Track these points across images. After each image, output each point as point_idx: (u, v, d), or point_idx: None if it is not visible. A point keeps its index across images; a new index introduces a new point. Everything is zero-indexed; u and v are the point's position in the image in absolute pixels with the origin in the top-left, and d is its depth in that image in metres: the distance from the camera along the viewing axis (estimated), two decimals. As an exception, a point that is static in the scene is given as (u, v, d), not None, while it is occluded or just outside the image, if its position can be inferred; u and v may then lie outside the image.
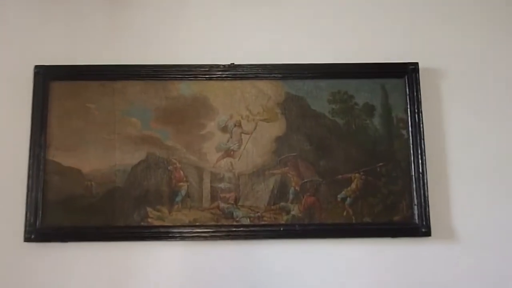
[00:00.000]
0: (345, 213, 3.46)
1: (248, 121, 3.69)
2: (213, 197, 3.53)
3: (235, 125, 3.75)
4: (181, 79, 3.62)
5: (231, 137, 3.72)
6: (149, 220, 3.40)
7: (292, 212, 3.49)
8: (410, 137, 3.43)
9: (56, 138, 3.29)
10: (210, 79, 3.63)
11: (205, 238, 3.33)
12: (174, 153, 3.58)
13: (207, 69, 3.57)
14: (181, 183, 3.57)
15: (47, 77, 3.27)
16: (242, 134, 3.73)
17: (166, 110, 3.61)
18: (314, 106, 3.68)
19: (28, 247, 3.07)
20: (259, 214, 3.47)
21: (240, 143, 3.71)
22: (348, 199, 3.51)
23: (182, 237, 3.33)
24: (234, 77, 3.64)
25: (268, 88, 3.67)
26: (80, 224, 3.27)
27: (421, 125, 3.39)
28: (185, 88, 3.65)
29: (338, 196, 3.52)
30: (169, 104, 3.61)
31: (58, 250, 3.11)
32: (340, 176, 3.54)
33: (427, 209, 3.29)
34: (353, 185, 3.52)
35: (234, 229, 3.39)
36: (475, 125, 3.30)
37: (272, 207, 3.49)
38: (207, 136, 3.71)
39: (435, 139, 3.35)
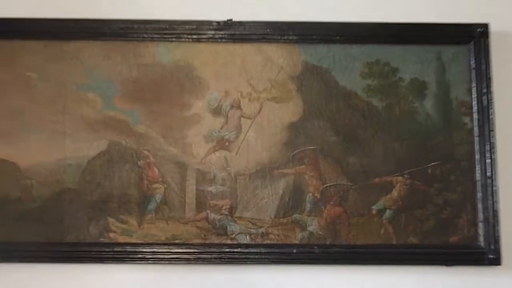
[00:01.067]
0: (382, 231, 3.41)
1: (250, 101, 3.75)
2: (200, 204, 3.52)
3: (232, 106, 3.80)
4: (159, 40, 3.60)
5: (226, 122, 3.78)
6: (111, 235, 3.34)
7: (310, 228, 3.47)
8: (476, 128, 3.35)
9: (-19, 120, 3.06)
10: (199, 40, 3.62)
11: (188, 261, 3.29)
12: (146, 142, 3.58)
13: (194, 26, 3.53)
14: (156, 185, 3.59)
15: (-31, 35, 3.10)
16: (242, 119, 3.80)
17: (137, 83, 3.60)
18: (343, 81, 3.72)
19: None
20: (263, 229, 3.44)
21: (239, 130, 3.77)
22: (388, 211, 3.48)
23: (156, 260, 3.28)
24: (232, 39, 3.63)
25: (279, 55, 3.67)
26: (15, 238, 3.18)
27: (491, 111, 3.31)
28: (163, 53, 3.64)
29: (374, 207, 3.49)
30: (141, 75, 3.59)
31: (-19, 274, 2.95)
32: (376, 180, 3.54)
33: (497, 227, 3.23)
34: (395, 193, 3.48)
35: (228, 249, 3.34)
36: None
37: (282, 220, 3.48)
38: (193, 120, 3.75)
39: (510, 130, 3.33)
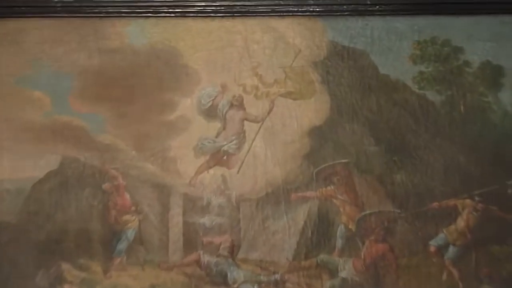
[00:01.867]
0: (445, 276, 3.37)
1: (256, 97, 3.87)
2: (189, 243, 3.54)
3: (231, 105, 3.92)
4: (129, 16, 3.63)
5: (223, 127, 3.87)
6: (66, 287, 3.30)
7: (342, 274, 3.46)
8: None
9: None
10: (184, 15, 3.68)
11: (173, 325, 3.14)
12: (114, 158, 3.62)
13: (178, -3, 3.41)
14: (128, 217, 3.64)
15: None
16: (246, 123, 3.90)
17: (100, 76, 3.61)
18: (385, 68, 3.72)
19: None
20: (277, 276, 3.43)
21: (242, 139, 3.88)
22: (451, 248, 3.42)
23: (129, 322, 3.11)
24: (231, 13, 3.70)
25: (295, 33, 3.69)
26: None
27: None
28: (136, 34, 3.65)
29: (431, 242, 3.47)
30: (106, 65, 3.63)
31: None
32: (434, 204, 3.52)
33: None
34: (461, 222, 3.44)
35: (230, 307, 3.17)
36: None
37: (303, 263, 3.49)
38: (177, 126, 3.83)
39: None
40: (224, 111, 3.94)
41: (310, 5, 3.72)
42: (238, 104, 3.99)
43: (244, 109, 3.95)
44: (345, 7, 3.70)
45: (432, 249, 3.49)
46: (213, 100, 3.93)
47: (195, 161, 3.84)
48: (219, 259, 3.58)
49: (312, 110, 3.86)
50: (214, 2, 3.73)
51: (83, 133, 3.65)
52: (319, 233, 3.63)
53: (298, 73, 3.85)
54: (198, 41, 3.79)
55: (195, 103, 3.87)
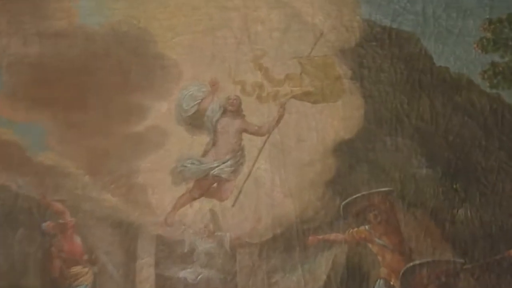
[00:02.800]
0: None
1: (261, 100, 3.90)
2: None
3: (224, 111, 3.94)
4: None
5: (214, 143, 3.87)
6: None
7: None
8: None
9: None
10: None
11: None
12: (60, 185, 3.73)
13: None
14: (78, 268, 3.62)
15: None
16: (245, 135, 3.84)
17: (40, 68, 3.81)
18: (444, 57, 3.69)
19: None
20: None
21: (239, 158, 3.87)
22: None
23: None
24: None
25: (316, 9, 3.82)
26: None
27: None
28: (90, 10, 3.82)
29: None
30: (48, 52, 3.79)
31: None
32: None
33: None
34: None
35: None
36: None
37: None
38: (148, 140, 3.84)
39: None
40: (215, 120, 3.96)
41: (339, -30, 3.73)
42: (234, 109, 3.97)
43: (243, 116, 3.97)
44: (385, -26, 3.71)
45: (514, 320, 3.38)
46: (199, 103, 3.95)
47: (174, 190, 3.91)
48: (207, 330, 3.47)
49: (339, 118, 3.90)
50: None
51: (16, 151, 3.72)
52: (350, 292, 3.52)
53: (319, 65, 3.88)
54: (179, 21, 3.87)
55: (174, 109, 3.93)
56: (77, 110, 3.84)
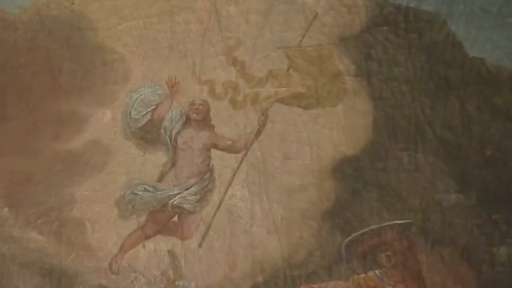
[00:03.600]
0: None
1: (234, 105, 3.90)
2: None
3: (187, 120, 3.94)
4: None
5: (172, 163, 3.89)
6: None
7: None
8: None
9: None
10: None
11: None
12: None
13: None
14: None
15: None
16: (216, 153, 3.88)
17: None
18: (476, 47, 3.61)
19: None
20: None
21: (208, 183, 3.90)
22: None
23: None
24: None
25: None
26: None
27: None
28: None
29: None
30: None
31: None
32: None
33: None
34: None
35: None
36: None
37: None
38: (85, 159, 3.88)
39: None
40: (175, 132, 3.90)
41: None
42: (200, 118, 3.93)
43: (212, 127, 3.91)
44: None
45: None
46: (152, 111, 3.90)
47: (120, 226, 3.89)
48: None
49: (339, 128, 3.88)
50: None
51: None
52: None
53: (312, 58, 3.85)
54: (126, 2, 3.86)
55: (120, 118, 3.89)
56: (-4, 123, 3.56)
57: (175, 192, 3.87)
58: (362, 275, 3.80)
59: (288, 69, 3.84)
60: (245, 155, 3.87)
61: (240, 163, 3.86)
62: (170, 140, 3.88)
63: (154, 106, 3.90)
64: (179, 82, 3.90)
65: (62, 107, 3.87)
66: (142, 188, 3.87)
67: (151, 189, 3.88)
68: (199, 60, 3.88)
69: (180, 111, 3.90)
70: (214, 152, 3.90)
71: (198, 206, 3.87)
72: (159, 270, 3.83)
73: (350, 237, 3.82)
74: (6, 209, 3.84)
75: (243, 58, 3.85)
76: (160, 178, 3.91)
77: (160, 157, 3.90)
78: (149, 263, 3.85)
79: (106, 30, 3.84)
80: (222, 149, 3.89)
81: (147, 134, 3.89)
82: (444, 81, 3.75)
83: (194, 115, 3.89)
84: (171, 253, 3.83)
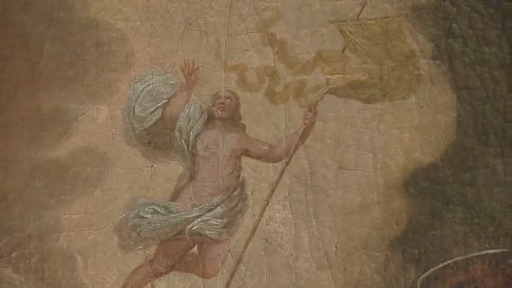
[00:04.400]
0: None
1: (273, 99, 3.92)
2: None
3: (209, 118, 3.96)
4: None
5: (190, 176, 3.93)
6: None
7: None
8: None
9: None
10: None
11: None
12: None
13: None
14: None
15: None
16: (247, 161, 3.87)
17: None
18: None
19: None
20: None
21: (237, 201, 3.87)
22: None
23: None
24: None
25: None
26: None
27: None
28: None
29: None
30: None
31: None
32: None
33: None
34: None
35: None
36: None
37: None
38: (73, 173, 3.93)
39: None
40: (193, 135, 3.88)
41: None
42: (226, 116, 3.83)
43: (243, 128, 3.81)
44: None
45: None
46: (163, 107, 3.79)
47: (122, 261, 3.85)
48: None
49: (412, 128, 3.81)
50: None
51: None
52: None
53: (376, 34, 3.82)
54: None
55: (119, 117, 3.79)
56: None
57: (195, 215, 3.74)
58: (442, 333, 3.30)
59: (343, 50, 3.71)
60: (287, 164, 3.73)
61: (281, 175, 3.72)
62: (187, 146, 3.74)
63: (166, 100, 3.77)
64: (198, 68, 3.74)
65: (43, 103, 3.78)
66: (151, 210, 3.75)
67: (163, 211, 3.75)
68: (224, 38, 3.76)
69: (200, 107, 3.77)
70: (245, 161, 3.75)
71: (225, 233, 3.72)
72: None
73: (427, 273, 3.66)
74: None
75: (283, 36, 3.74)
76: (175, 196, 3.77)
77: (174, 168, 3.77)
78: None
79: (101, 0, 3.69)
80: (257, 157, 3.76)
81: (157, 138, 3.76)
82: None
83: (219, 112, 3.75)
84: None
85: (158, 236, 3.76)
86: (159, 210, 3.74)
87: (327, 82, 3.72)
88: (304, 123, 3.71)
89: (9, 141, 3.77)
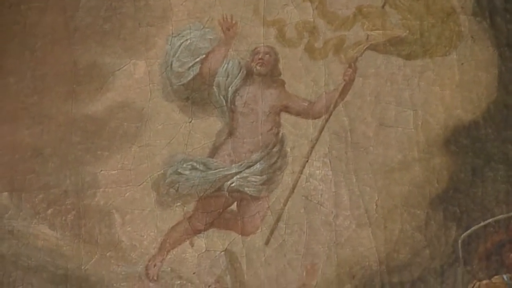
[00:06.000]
0: None
1: (312, 55, 3.82)
2: None
3: (248, 73, 3.87)
4: None
5: (229, 132, 3.86)
6: None
7: None
8: None
9: None
10: None
11: None
12: None
13: None
14: None
15: None
16: (286, 118, 3.80)
17: None
18: None
19: None
20: None
21: (277, 158, 3.80)
22: None
23: None
24: None
25: None
26: None
27: None
28: None
29: None
30: None
31: None
32: None
33: None
34: None
35: None
36: None
37: None
38: (110, 128, 3.88)
39: None
40: (232, 91, 3.76)
41: None
42: (265, 71, 3.77)
43: (282, 84, 3.76)
44: None
45: None
46: (202, 62, 3.76)
47: (160, 217, 3.80)
48: None
49: (453, 85, 3.80)
50: None
51: None
52: None
53: None
54: None
55: (157, 72, 3.77)
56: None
57: (234, 171, 3.70)
58: (485, 281, 3.61)
59: (383, 6, 3.68)
60: (326, 121, 3.68)
61: (320, 132, 3.67)
62: (226, 101, 3.71)
63: (204, 56, 3.73)
64: (236, 22, 3.73)
65: (79, 58, 3.73)
66: (189, 166, 3.72)
67: (201, 167, 3.71)
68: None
69: (239, 62, 3.73)
70: (285, 117, 3.71)
71: (264, 190, 3.69)
72: (213, 276, 3.66)
73: (468, 231, 3.62)
74: (5, 194, 3.72)
75: (324, -15, 3.38)
76: (213, 152, 3.75)
77: (212, 123, 3.74)
78: (199, 267, 3.71)
79: None
80: (296, 113, 3.71)
81: (195, 93, 3.73)
82: None
83: (258, 68, 3.72)
84: (228, 253, 3.66)
85: (197, 193, 3.72)
86: (198, 166, 3.71)
87: (367, 38, 3.70)
88: (344, 80, 3.68)
89: (45, 96, 3.74)
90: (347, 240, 3.64)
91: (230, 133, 3.73)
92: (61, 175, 3.82)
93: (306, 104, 3.70)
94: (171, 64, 3.75)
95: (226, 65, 3.74)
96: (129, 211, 3.75)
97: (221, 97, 3.72)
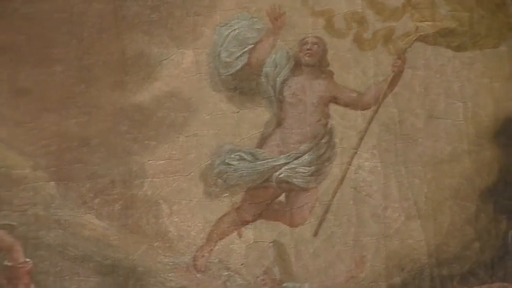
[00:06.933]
0: None
1: (361, 46, 3.81)
2: None
3: (296, 64, 3.85)
4: None
5: (278, 123, 3.85)
6: None
7: None
8: None
9: None
10: None
11: None
12: (5, 199, 3.73)
13: None
14: None
15: None
16: (335, 109, 3.79)
17: None
18: None
19: None
20: None
21: (325, 150, 3.80)
22: None
23: None
24: None
25: None
26: None
27: None
28: None
29: None
30: None
31: None
32: None
33: None
34: None
35: None
36: None
37: None
38: (158, 118, 3.88)
39: None
40: (280, 81, 3.80)
41: None
42: (313, 62, 3.79)
43: (331, 75, 3.76)
44: None
45: None
46: (250, 52, 3.76)
47: (208, 208, 3.93)
48: None
49: (503, 77, 3.82)
50: None
51: None
52: None
53: None
54: None
55: (205, 61, 3.77)
56: (35, 66, 3.74)
57: (282, 162, 3.72)
58: (540, 277, 3.38)
59: None
60: (375, 112, 3.70)
61: (369, 123, 3.70)
62: (274, 92, 3.71)
63: (252, 46, 3.74)
64: (285, 12, 3.70)
65: (126, 47, 3.73)
66: (237, 156, 3.74)
67: (249, 158, 3.74)
68: (319, -19, 3.44)
69: (287, 53, 3.73)
70: (333, 108, 3.73)
71: (313, 181, 3.69)
72: (261, 268, 3.68)
73: None
74: (52, 183, 3.68)
75: (380, -26, 3.43)
76: (261, 143, 3.77)
77: (260, 114, 3.76)
78: (247, 258, 3.73)
79: None
80: (345, 104, 3.72)
81: (243, 83, 3.73)
82: None
83: (306, 58, 3.71)
84: (277, 244, 3.69)
85: (245, 183, 3.74)
86: (246, 157, 3.72)
87: (416, 29, 3.69)
88: (393, 71, 3.67)
89: (92, 86, 3.74)
90: (396, 232, 3.65)
91: (278, 124, 3.72)
92: (109, 165, 3.82)
93: (355, 95, 3.69)
94: (219, 54, 3.74)
95: (274, 55, 3.72)
96: (177, 202, 3.76)
97: (269, 87, 3.71)
